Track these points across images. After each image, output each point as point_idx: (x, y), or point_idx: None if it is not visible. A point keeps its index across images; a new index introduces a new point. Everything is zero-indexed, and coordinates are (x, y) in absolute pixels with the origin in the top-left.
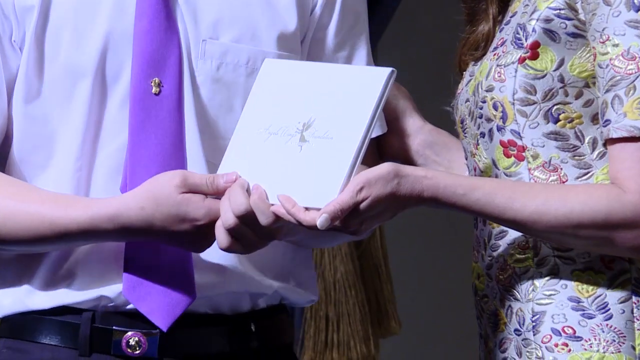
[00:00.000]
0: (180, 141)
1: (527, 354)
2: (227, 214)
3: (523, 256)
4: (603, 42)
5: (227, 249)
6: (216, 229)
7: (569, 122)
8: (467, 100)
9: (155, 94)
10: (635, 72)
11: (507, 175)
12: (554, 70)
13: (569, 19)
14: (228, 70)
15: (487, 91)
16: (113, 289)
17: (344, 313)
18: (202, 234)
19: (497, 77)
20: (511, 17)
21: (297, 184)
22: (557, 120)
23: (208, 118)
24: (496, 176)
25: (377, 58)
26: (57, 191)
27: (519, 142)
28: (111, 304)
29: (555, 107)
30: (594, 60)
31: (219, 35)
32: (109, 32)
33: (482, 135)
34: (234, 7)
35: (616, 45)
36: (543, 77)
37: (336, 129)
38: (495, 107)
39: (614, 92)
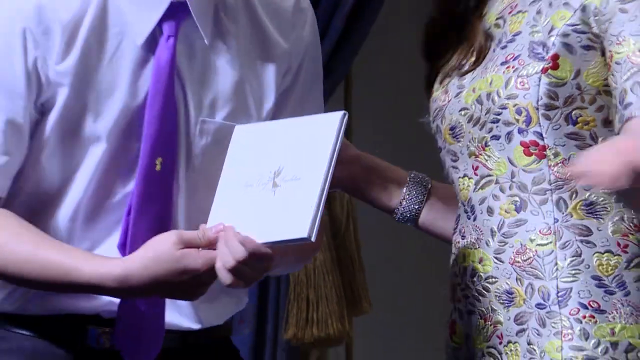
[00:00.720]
0: (169, 211)
1: (553, 324)
2: (226, 257)
3: (545, 241)
4: (620, 43)
5: (230, 286)
6: (218, 271)
7: (585, 125)
8: (464, 109)
9: (157, 170)
10: None
11: (525, 172)
12: (572, 79)
13: (584, 33)
14: (219, 145)
15: (508, 99)
16: (92, 309)
17: (323, 295)
18: (200, 283)
19: (519, 86)
20: (514, 35)
21: (273, 222)
22: (575, 123)
23: (198, 188)
24: (512, 173)
25: (352, 75)
26: (50, 234)
27: (541, 142)
28: (87, 315)
29: (574, 111)
30: (611, 61)
31: (214, 114)
32: (123, 109)
33: (496, 137)
34: (229, 87)
35: (633, 44)
36: (564, 84)
37: (302, 171)
38: (518, 112)
39: (634, 80)
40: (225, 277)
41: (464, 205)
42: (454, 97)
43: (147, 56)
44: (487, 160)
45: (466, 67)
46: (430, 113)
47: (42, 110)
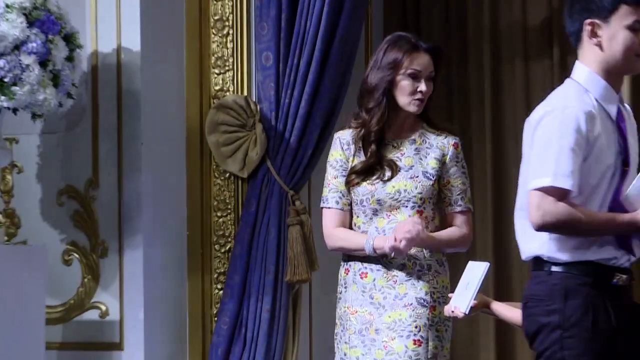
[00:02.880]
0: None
1: None
2: None
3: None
4: (455, 179)
5: None
6: None
7: (441, 204)
8: (387, 193)
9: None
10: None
11: None
12: (438, 188)
13: (441, 169)
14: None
15: (417, 194)
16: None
17: (302, 260)
18: None
19: (422, 190)
20: (410, 167)
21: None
22: (436, 203)
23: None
24: None
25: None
26: None
27: (424, 211)
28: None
29: (438, 200)
30: (448, 184)
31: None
32: (616, 150)
33: (405, 206)
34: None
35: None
36: (437, 190)
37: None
38: (421, 200)
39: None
40: None
41: (379, 232)
42: (380, 188)
43: (614, 123)
44: (396, 215)
45: (385, 178)
46: (359, 192)
47: (590, 151)
